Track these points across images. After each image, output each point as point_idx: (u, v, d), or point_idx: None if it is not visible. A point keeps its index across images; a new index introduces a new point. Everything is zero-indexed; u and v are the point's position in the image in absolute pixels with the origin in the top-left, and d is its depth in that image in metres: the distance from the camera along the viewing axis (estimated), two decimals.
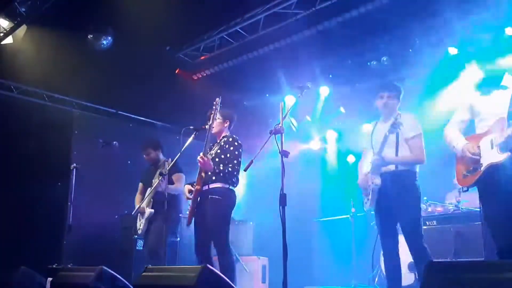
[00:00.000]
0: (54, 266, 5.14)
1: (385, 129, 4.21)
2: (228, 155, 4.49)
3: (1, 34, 6.46)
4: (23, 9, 6.26)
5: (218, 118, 4.65)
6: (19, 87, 7.23)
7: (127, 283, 3.89)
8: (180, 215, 5.78)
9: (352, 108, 8.15)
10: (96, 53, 6.75)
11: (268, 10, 6.42)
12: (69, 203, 5.67)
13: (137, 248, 6.11)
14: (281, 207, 3.48)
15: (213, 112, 4.44)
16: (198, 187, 4.39)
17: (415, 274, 5.94)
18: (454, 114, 3.92)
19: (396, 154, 4.21)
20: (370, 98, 4.68)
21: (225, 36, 7.16)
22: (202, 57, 7.70)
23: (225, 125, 4.73)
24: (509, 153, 3.36)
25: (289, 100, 7.94)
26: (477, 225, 5.29)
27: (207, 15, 6.48)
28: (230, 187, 4.50)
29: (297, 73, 7.62)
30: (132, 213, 5.60)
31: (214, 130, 4.62)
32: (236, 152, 4.51)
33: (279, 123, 3.73)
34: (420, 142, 4.22)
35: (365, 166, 4.48)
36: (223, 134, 4.71)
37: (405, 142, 4.21)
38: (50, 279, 4.39)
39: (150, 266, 3.53)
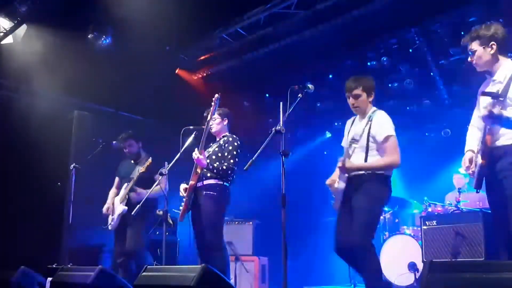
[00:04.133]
0: (54, 266, 5.14)
1: (361, 127, 3.88)
2: (225, 154, 4.50)
3: (1, 34, 6.47)
4: (23, 9, 6.26)
5: (217, 118, 4.68)
6: (18, 87, 7.21)
7: (126, 283, 3.89)
8: (174, 209, 5.71)
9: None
10: (96, 53, 6.74)
11: (268, 10, 6.42)
12: (69, 203, 5.67)
13: None
14: (281, 207, 3.47)
15: (212, 108, 4.44)
16: (192, 182, 4.40)
17: (415, 274, 5.95)
18: (474, 110, 3.70)
19: (366, 160, 3.80)
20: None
21: (225, 36, 7.16)
22: (202, 57, 7.70)
23: (224, 123, 4.75)
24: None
25: (289, 100, 7.91)
26: (477, 225, 5.28)
27: (207, 15, 6.48)
28: (225, 183, 4.49)
29: (297, 73, 7.62)
30: (103, 209, 5.53)
31: (214, 129, 4.67)
32: (234, 152, 4.51)
33: (279, 123, 3.72)
34: (393, 144, 3.77)
35: None
36: (223, 133, 4.73)
37: (376, 146, 3.81)
38: (50, 279, 4.38)
39: (149, 266, 3.52)
